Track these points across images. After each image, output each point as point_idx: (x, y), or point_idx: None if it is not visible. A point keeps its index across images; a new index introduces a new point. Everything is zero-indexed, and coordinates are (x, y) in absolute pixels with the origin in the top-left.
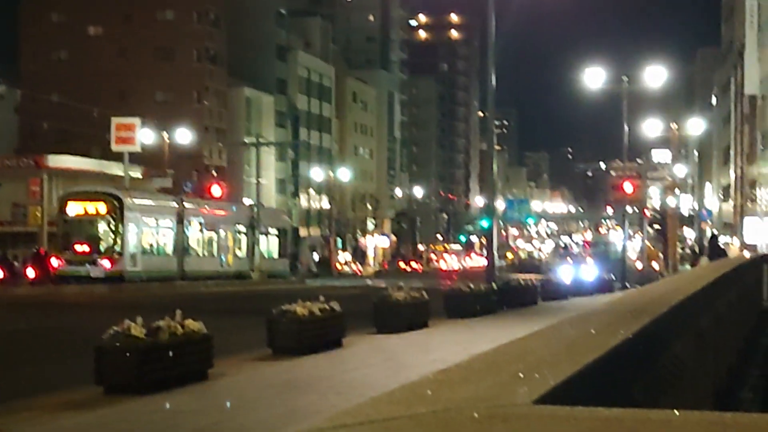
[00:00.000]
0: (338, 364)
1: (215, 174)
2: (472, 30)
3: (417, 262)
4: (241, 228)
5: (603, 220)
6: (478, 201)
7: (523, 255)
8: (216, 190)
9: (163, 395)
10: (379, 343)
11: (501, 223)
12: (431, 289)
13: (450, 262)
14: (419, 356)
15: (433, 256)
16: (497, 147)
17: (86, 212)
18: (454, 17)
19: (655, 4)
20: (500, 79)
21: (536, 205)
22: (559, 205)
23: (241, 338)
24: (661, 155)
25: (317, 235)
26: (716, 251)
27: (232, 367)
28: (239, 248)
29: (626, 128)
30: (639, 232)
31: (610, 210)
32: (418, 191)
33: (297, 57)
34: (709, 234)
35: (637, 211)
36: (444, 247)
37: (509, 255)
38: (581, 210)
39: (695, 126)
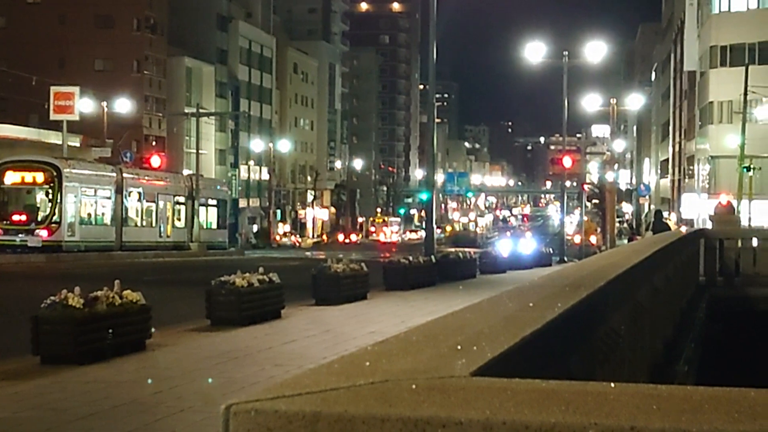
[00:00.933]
0: (277, 335)
1: (155, 144)
2: (414, 2)
3: (356, 235)
4: (181, 199)
5: (542, 195)
6: (418, 174)
7: (457, 227)
8: (155, 161)
9: (101, 365)
10: (318, 315)
11: (440, 196)
12: (370, 261)
13: (389, 234)
14: (358, 328)
15: (372, 228)
16: (438, 120)
17: (23, 181)
18: None
19: None
20: (442, 52)
21: (476, 179)
22: (498, 179)
23: (179, 309)
24: (600, 130)
25: (256, 206)
26: (660, 226)
27: (171, 338)
28: (178, 219)
29: (566, 103)
30: (578, 207)
31: (549, 184)
32: (358, 163)
33: (238, 27)
34: (649, 210)
35: (575, 185)
36: (383, 219)
37: (448, 228)
38: (520, 184)
39: (634, 101)
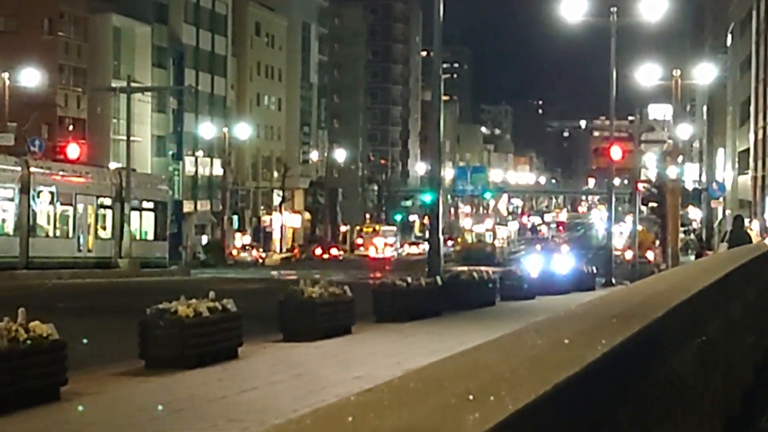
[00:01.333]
0: (233, 380)
1: (72, 128)
2: None
3: (338, 248)
4: (106, 201)
5: (583, 196)
6: (420, 168)
7: (470, 239)
8: (73, 150)
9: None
10: (287, 354)
11: (449, 197)
12: (356, 283)
13: (382, 248)
14: (339, 372)
15: (359, 240)
16: (445, 98)
17: None
18: None
19: None
20: (450, 7)
21: (496, 175)
22: (525, 175)
23: (105, 346)
24: (659, 111)
25: (206, 210)
26: (739, 237)
27: (93, 384)
28: (103, 227)
29: (614, 76)
30: (630, 213)
31: (592, 183)
32: (341, 154)
33: None
34: (724, 216)
35: (627, 184)
36: (374, 228)
37: (461, 240)
38: (554, 182)
39: (704, 73)
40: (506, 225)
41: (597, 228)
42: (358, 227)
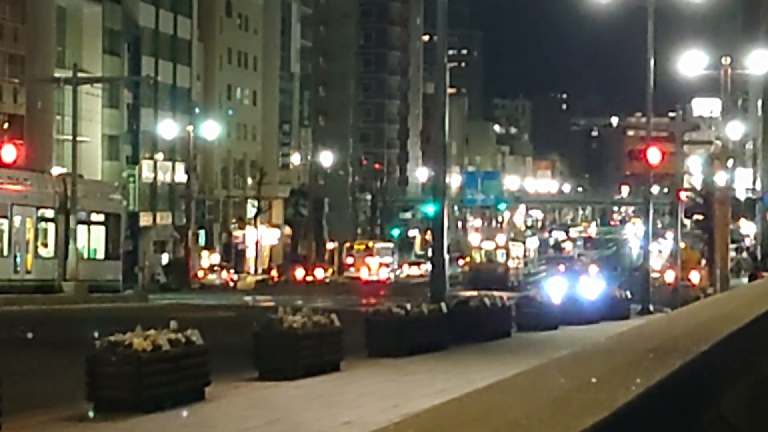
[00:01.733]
0: (198, 428)
1: (8, 127)
2: None
3: (324, 269)
4: (48, 213)
5: (614, 207)
6: (421, 174)
7: (478, 257)
8: (8, 153)
9: None
10: (263, 396)
11: (456, 209)
12: (346, 311)
13: (376, 268)
14: (325, 417)
15: (350, 259)
16: (452, 90)
17: None
18: None
19: None
20: None
21: (511, 182)
22: (546, 182)
23: (45, 386)
24: (705, 107)
25: (167, 224)
26: None
27: None
28: (44, 244)
29: (652, 65)
30: (670, 229)
31: (625, 191)
32: (327, 158)
33: None
34: None
35: (667, 192)
36: (367, 245)
37: (469, 259)
38: (581, 190)
39: (759, 62)
40: (523, 241)
41: (631, 244)
42: (348, 244)
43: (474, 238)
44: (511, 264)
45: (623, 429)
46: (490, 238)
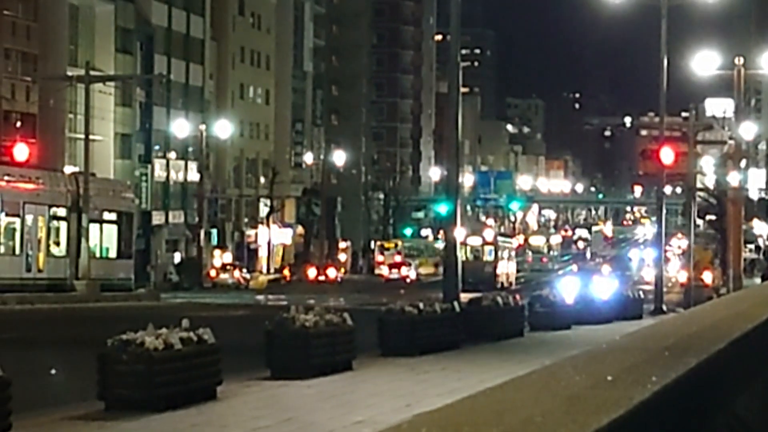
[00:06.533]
0: (209, 427)
1: (20, 125)
2: None
3: (337, 268)
4: (60, 211)
5: (627, 207)
6: (434, 174)
7: (462, 254)
8: (21, 152)
9: None
10: (275, 395)
11: (469, 208)
12: (358, 309)
13: (405, 268)
14: (337, 416)
15: (380, 257)
16: (465, 90)
17: None
18: None
19: None
20: None
21: (524, 181)
22: (559, 182)
23: (56, 385)
24: (718, 107)
25: (180, 223)
26: None
27: (42, 430)
28: (56, 243)
29: (665, 64)
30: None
31: (638, 191)
32: (340, 157)
33: None
34: None
35: (680, 192)
36: (396, 244)
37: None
38: (594, 190)
39: None
40: (547, 238)
41: (645, 244)
42: (378, 243)
43: (459, 234)
44: (502, 263)
45: (639, 427)
46: (476, 233)
